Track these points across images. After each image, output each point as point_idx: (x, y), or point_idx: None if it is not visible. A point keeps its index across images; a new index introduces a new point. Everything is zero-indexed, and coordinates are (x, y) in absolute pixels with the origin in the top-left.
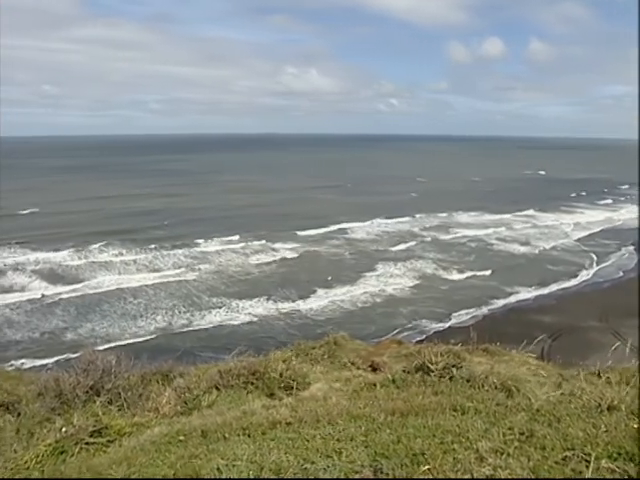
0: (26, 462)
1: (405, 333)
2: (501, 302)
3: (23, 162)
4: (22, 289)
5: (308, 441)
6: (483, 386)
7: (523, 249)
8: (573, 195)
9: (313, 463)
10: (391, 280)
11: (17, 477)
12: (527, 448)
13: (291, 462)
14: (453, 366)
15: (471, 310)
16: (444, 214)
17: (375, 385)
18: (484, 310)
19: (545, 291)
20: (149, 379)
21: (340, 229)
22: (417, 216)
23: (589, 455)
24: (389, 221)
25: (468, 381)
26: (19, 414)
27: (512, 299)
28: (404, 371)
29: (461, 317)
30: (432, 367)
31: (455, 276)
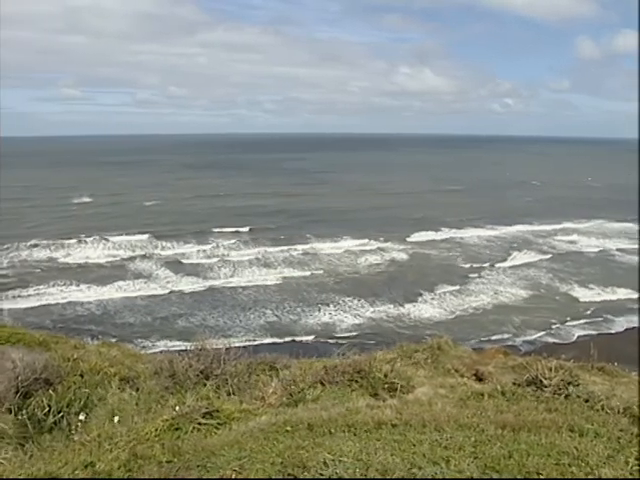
0: (146, 434)
1: (513, 343)
2: (621, 319)
3: (151, 158)
4: (149, 276)
5: (415, 445)
6: (603, 408)
7: None
8: None
9: (420, 468)
10: (501, 288)
11: (138, 447)
12: None
13: (397, 464)
14: (569, 383)
15: (586, 325)
16: (560, 221)
17: (482, 395)
18: (601, 326)
19: None
20: (254, 368)
21: (452, 233)
22: (532, 222)
23: None
24: (502, 226)
25: (587, 401)
26: (137, 389)
27: (634, 316)
28: (514, 383)
29: (575, 332)
30: (545, 382)
31: (571, 288)
